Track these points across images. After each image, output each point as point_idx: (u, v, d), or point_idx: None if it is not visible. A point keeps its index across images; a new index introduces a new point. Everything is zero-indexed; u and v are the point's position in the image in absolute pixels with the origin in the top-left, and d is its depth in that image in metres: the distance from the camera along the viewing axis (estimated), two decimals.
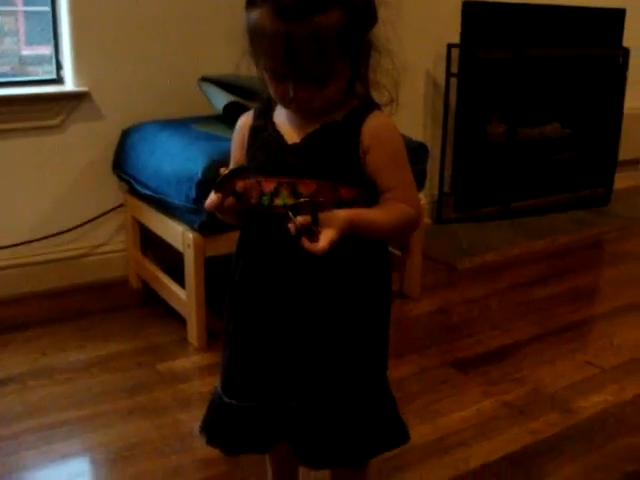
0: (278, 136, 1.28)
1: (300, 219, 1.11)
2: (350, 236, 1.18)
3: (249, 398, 1.38)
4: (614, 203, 4.37)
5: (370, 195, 1.28)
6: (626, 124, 4.40)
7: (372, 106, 1.28)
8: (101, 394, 2.18)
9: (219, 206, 1.22)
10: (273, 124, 1.30)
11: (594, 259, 3.63)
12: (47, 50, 3.01)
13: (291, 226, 1.12)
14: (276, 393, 1.37)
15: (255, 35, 1.18)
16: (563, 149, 4.34)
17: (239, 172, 1.23)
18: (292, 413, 1.37)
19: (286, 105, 1.25)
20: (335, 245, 1.13)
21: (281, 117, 1.30)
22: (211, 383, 2.23)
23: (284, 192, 1.26)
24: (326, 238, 1.12)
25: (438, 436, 1.99)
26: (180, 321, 2.55)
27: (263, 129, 1.32)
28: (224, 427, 1.43)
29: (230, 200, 1.23)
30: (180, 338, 2.52)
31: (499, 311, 2.85)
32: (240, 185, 1.21)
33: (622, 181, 4.58)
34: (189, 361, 2.40)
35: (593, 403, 2.18)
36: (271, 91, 1.24)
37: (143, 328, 2.61)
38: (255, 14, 1.16)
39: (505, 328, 2.68)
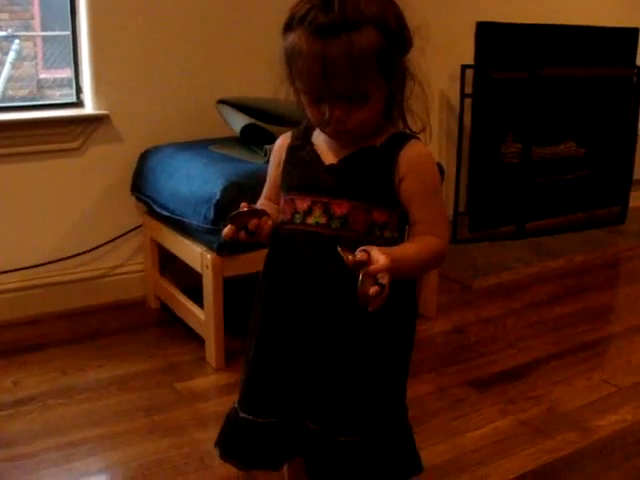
0: (315, 156, 1.32)
1: (359, 254, 1.12)
2: None
3: (265, 414, 1.40)
4: (629, 222, 4.36)
5: (402, 220, 1.30)
6: None
7: (410, 134, 1.30)
8: (120, 413, 2.21)
9: (233, 237, 1.25)
10: (311, 145, 1.34)
11: (610, 278, 3.63)
12: (64, 74, 3.07)
13: (349, 257, 1.13)
14: (293, 411, 1.38)
15: (292, 57, 1.21)
16: (578, 168, 4.34)
17: (255, 214, 1.25)
18: (307, 432, 1.37)
19: (323, 128, 1.27)
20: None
21: (320, 139, 1.33)
22: (229, 402, 2.22)
23: (317, 211, 1.28)
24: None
25: (456, 455, 1.99)
26: (198, 341, 2.58)
27: (301, 149, 1.35)
28: (238, 442, 1.44)
29: (242, 234, 1.25)
30: (198, 358, 2.54)
31: (515, 330, 2.86)
32: (253, 223, 1.24)
33: (637, 199, 4.57)
34: (207, 380, 2.42)
35: (611, 422, 2.18)
36: (309, 114, 1.27)
37: (161, 348, 2.64)
38: (292, 37, 1.20)
39: (521, 347, 2.69)
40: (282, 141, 1.41)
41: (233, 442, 1.45)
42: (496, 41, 3.83)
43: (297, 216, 1.30)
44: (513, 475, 1.91)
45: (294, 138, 1.38)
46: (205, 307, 2.49)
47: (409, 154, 1.27)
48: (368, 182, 1.27)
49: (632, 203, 4.46)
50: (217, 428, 2.15)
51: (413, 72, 1.27)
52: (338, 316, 1.30)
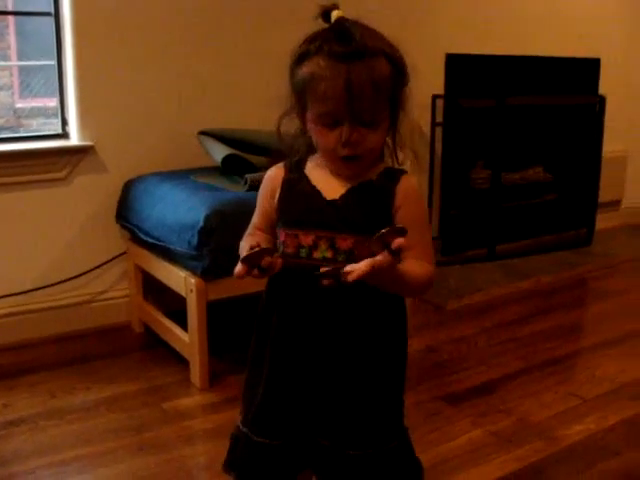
0: (315, 191, 1.35)
1: (401, 240, 1.15)
2: (377, 291, 1.27)
3: (281, 436, 1.43)
4: (596, 243, 4.53)
5: None
6: (605, 167, 4.58)
7: (402, 169, 1.38)
8: (109, 432, 2.29)
9: (246, 276, 1.26)
10: (308, 179, 1.37)
11: (577, 297, 3.77)
12: (41, 103, 3.16)
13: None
14: (305, 431, 1.42)
15: (311, 82, 1.26)
16: (545, 192, 4.50)
17: (267, 252, 1.26)
18: (320, 449, 1.42)
19: (335, 154, 1.30)
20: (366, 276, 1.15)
21: (316, 173, 1.38)
22: (214, 420, 2.36)
23: (323, 246, 1.32)
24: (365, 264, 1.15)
25: (430, 464, 2.09)
26: (182, 363, 2.67)
27: (297, 183, 1.38)
28: (256, 465, 1.47)
29: (255, 272, 1.25)
30: (183, 379, 2.63)
31: (486, 348, 2.98)
32: (266, 261, 1.24)
33: (603, 222, 4.75)
34: (192, 400, 2.51)
35: (576, 431, 2.31)
36: (320, 141, 1.31)
37: (146, 370, 2.72)
38: (308, 66, 1.27)
39: (492, 364, 2.81)
40: (275, 173, 1.42)
41: (251, 465, 1.48)
42: (465, 72, 3.99)
43: (302, 250, 1.33)
44: None
45: (288, 171, 1.40)
46: (189, 330, 2.59)
47: (404, 187, 1.35)
48: (369, 216, 1.31)
49: (598, 225, 4.63)
50: (203, 444, 2.28)
51: (406, 106, 1.36)
52: (345, 340, 1.36)
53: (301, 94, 1.30)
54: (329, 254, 1.32)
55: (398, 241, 1.15)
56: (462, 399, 2.52)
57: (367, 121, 1.26)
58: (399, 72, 1.30)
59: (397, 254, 1.17)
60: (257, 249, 1.24)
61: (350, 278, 1.14)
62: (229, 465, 1.51)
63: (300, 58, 1.29)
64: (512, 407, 2.46)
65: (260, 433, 1.44)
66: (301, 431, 1.42)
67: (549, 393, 2.57)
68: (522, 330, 3.18)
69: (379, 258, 1.16)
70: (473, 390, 2.60)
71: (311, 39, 1.28)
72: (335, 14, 1.29)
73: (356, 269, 1.14)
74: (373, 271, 1.15)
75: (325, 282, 1.17)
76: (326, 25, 1.31)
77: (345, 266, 1.16)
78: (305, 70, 1.27)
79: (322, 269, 1.18)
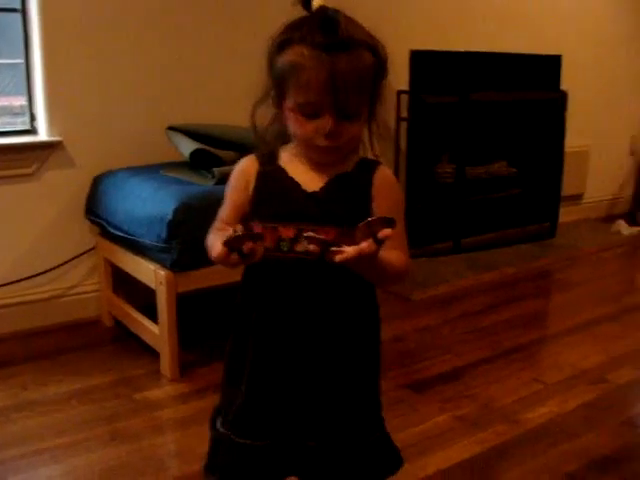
0: (294, 184, 1.33)
1: (388, 231, 1.17)
2: (353, 283, 1.32)
3: (262, 437, 1.40)
4: (559, 236, 4.63)
5: None
6: (567, 162, 4.68)
7: (376, 160, 1.38)
8: (81, 423, 2.32)
9: (224, 259, 1.22)
10: (284, 172, 1.35)
11: (540, 288, 3.86)
12: (6, 102, 3.16)
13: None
14: (289, 430, 1.40)
15: (292, 71, 1.24)
16: (510, 187, 4.57)
17: (250, 238, 1.22)
18: (305, 449, 1.41)
19: (314, 144, 1.29)
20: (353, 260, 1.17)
21: (292, 165, 1.36)
22: (184, 410, 2.39)
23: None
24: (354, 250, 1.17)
25: (399, 447, 2.15)
26: (152, 355, 2.70)
27: (273, 175, 1.35)
28: (238, 466, 1.43)
29: (235, 257, 1.22)
30: (153, 370, 2.66)
31: (451, 337, 3.05)
32: (248, 246, 1.20)
33: (566, 215, 4.85)
34: (163, 391, 2.54)
35: (538, 414, 2.38)
36: (297, 131, 1.29)
37: (117, 362, 2.75)
38: (289, 55, 1.25)
39: (457, 352, 2.88)
40: (248, 165, 1.39)
41: (234, 468, 1.44)
42: (429, 68, 4.05)
43: (283, 244, 1.30)
44: (450, 463, 2.09)
45: (262, 164, 1.37)
46: (160, 322, 2.62)
47: (381, 176, 1.36)
48: (350, 207, 1.31)
49: (561, 219, 4.72)
50: (173, 433, 2.32)
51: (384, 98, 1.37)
52: (328, 334, 1.35)
53: (281, 81, 1.28)
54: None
55: (385, 232, 1.17)
56: (428, 386, 2.58)
57: (350, 113, 1.26)
58: (380, 64, 1.30)
59: (381, 244, 1.19)
60: (240, 233, 1.20)
61: (337, 258, 1.17)
62: (210, 468, 1.48)
63: (281, 45, 1.26)
64: (477, 393, 2.53)
65: (243, 434, 1.41)
66: (285, 430, 1.40)
67: (513, 379, 2.65)
68: (486, 320, 3.25)
69: (365, 245, 1.17)
70: (439, 377, 2.66)
71: (293, 26, 1.26)
72: (316, 2, 1.28)
73: (345, 251, 1.17)
74: (359, 258, 1.17)
75: (312, 247, 1.19)
76: (305, 12, 1.28)
77: (333, 244, 1.18)
78: (287, 58, 1.25)
79: (307, 232, 1.20)
